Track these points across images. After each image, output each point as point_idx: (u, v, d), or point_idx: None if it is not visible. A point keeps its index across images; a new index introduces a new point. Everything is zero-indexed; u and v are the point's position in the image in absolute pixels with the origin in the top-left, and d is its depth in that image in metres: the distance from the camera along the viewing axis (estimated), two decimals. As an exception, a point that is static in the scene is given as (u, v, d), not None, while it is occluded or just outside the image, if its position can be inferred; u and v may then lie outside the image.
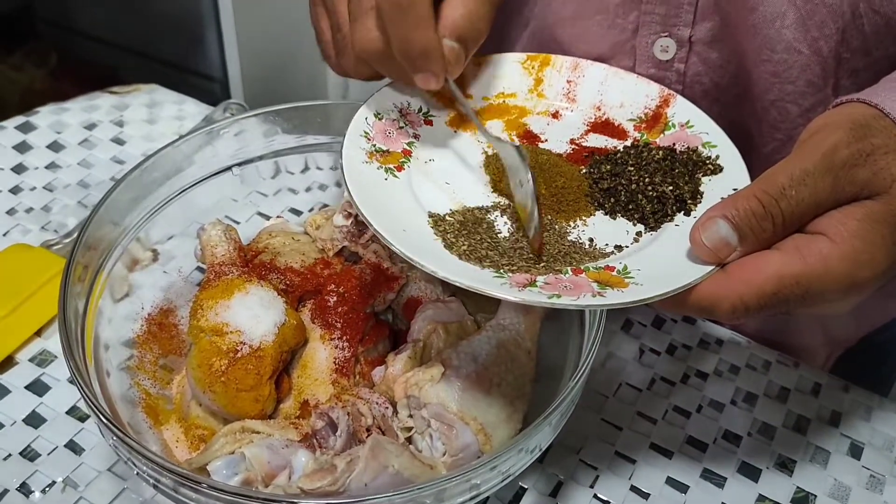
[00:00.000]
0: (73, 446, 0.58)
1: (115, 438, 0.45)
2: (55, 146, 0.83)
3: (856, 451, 0.62)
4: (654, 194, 0.51)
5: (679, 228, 0.50)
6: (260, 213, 0.73)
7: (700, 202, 0.51)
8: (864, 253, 0.43)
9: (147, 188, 0.61)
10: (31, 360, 0.64)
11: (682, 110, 0.56)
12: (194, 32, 1.58)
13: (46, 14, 1.74)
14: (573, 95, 0.58)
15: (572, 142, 0.56)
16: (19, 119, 0.84)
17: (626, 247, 0.49)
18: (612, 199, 0.51)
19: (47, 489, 0.56)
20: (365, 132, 0.52)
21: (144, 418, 0.54)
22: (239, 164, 0.66)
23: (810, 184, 0.43)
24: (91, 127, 0.85)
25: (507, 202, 0.51)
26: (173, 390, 0.57)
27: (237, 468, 0.47)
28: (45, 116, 0.85)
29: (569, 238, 0.49)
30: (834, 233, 0.43)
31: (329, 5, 0.54)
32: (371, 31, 0.49)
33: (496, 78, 0.59)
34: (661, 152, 0.53)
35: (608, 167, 0.53)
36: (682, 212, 0.51)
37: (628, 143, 0.56)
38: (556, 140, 0.56)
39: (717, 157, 0.53)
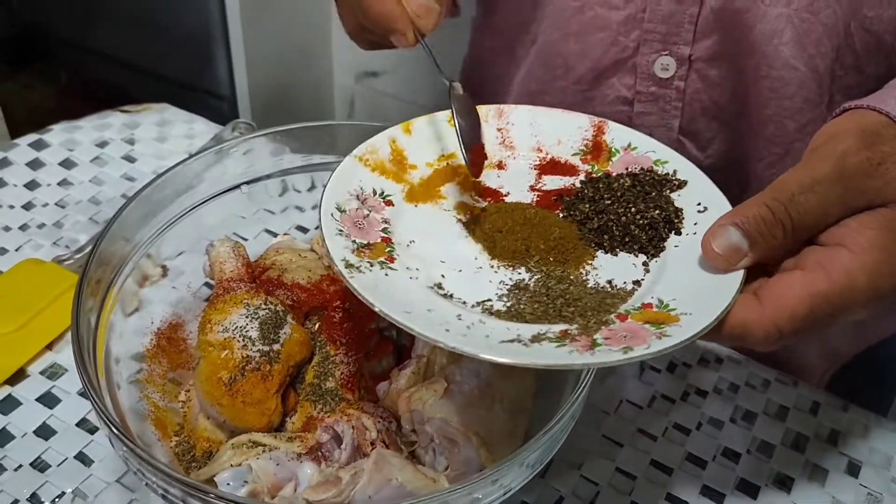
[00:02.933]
0: (82, 458, 0.59)
1: (125, 449, 0.46)
2: (67, 163, 0.84)
3: (853, 470, 0.62)
4: (645, 222, 0.51)
5: (679, 249, 0.50)
6: (267, 231, 0.74)
7: (684, 218, 0.52)
8: (884, 263, 0.43)
9: (158, 205, 0.62)
10: (41, 372, 0.65)
11: (619, 134, 0.57)
12: (203, 52, 1.61)
13: (57, 33, 1.76)
14: (509, 142, 0.58)
15: (532, 189, 0.56)
16: (32, 136, 0.86)
17: (642, 280, 0.49)
18: (607, 237, 0.51)
19: (57, 500, 0.57)
20: (339, 230, 0.49)
21: (153, 431, 0.55)
22: (247, 183, 0.68)
23: (820, 191, 0.44)
24: (103, 145, 0.87)
25: (510, 264, 0.50)
26: (180, 403, 0.58)
27: (243, 480, 0.48)
28: (57, 134, 0.87)
29: (589, 285, 0.49)
30: (853, 244, 0.44)
31: None
32: (350, 10, 0.53)
33: (432, 141, 0.57)
34: (627, 179, 0.54)
35: (587, 206, 0.53)
36: (673, 231, 0.51)
37: (582, 177, 0.56)
38: (518, 190, 0.55)
39: (675, 171, 0.55)
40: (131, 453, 0.45)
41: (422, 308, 0.45)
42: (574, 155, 0.57)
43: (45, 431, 0.61)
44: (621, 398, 0.66)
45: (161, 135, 0.89)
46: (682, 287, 0.47)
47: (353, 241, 0.48)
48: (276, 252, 0.64)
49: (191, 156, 0.64)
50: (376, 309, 0.43)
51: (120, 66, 1.74)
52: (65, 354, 0.66)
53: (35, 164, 0.84)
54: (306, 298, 0.60)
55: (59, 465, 0.59)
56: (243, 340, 0.54)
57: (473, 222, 0.53)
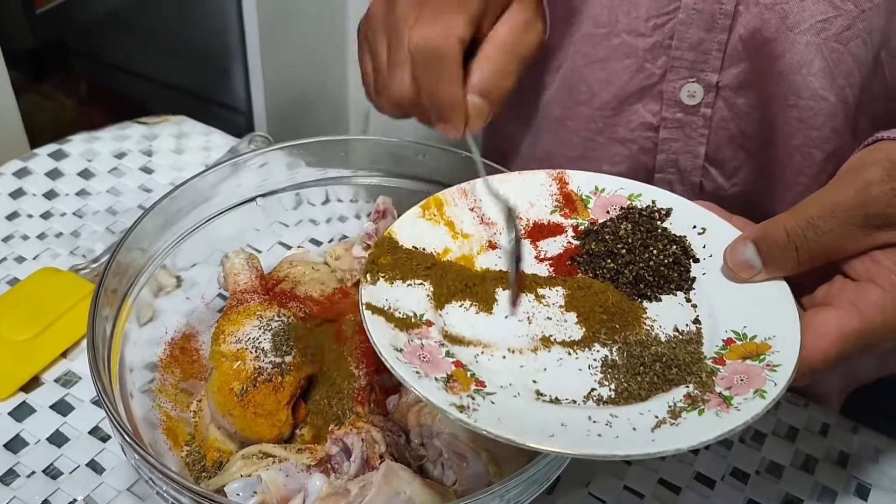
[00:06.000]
0: (94, 466, 0.60)
1: (137, 457, 0.46)
2: (86, 173, 0.85)
3: (863, 492, 0.62)
4: (670, 260, 0.51)
5: (707, 276, 0.51)
6: (281, 243, 0.75)
7: (691, 245, 0.52)
8: None
9: (174, 217, 0.63)
10: (56, 380, 0.66)
11: (582, 180, 0.57)
12: (221, 66, 1.62)
13: (78, 46, 1.79)
14: (487, 219, 0.55)
15: (539, 259, 0.54)
16: (52, 147, 0.87)
17: (698, 317, 0.49)
18: (643, 285, 0.51)
19: (68, 507, 0.58)
20: (416, 372, 0.44)
21: (165, 440, 0.55)
22: (262, 196, 0.68)
23: (840, 216, 0.45)
24: (121, 156, 0.88)
25: (582, 345, 0.48)
26: (192, 413, 0.59)
27: (253, 490, 0.49)
28: (76, 144, 0.88)
29: (663, 340, 0.48)
30: (885, 281, 0.45)
31: (372, 49, 0.57)
32: (405, 81, 0.53)
33: (421, 241, 0.54)
34: (624, 223, 0.53)
35: (610, 262, 0.52)
36: (691, 259, 0.52)
37: (570, 232, 0.55)
38: (528, 266, 0.53)
39: (654, 201, 0.55)
40: (143, 461, 0.46)
41: (554, 425, 0.42)
42: (552, 213, 0.56)
43: (58, 439, 0.62)
44: (630, 416, 0.66)
45: (178, 147, 0.90)
46: (742, 312, 0.48)
47: (436, 378, 0.44)
48: (289, 265, 0.65)
49: (207, 168, 0.65)
50: (519, 443, 0.40)
51: (138, 78, 1.76)
52: (79, 363, 0.67)
53: (54, 174, 0.85)
54: (319, 311, 0.60)
55: (71, 473, 0.59)
56: (256, 352, 0.54)
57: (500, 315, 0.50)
